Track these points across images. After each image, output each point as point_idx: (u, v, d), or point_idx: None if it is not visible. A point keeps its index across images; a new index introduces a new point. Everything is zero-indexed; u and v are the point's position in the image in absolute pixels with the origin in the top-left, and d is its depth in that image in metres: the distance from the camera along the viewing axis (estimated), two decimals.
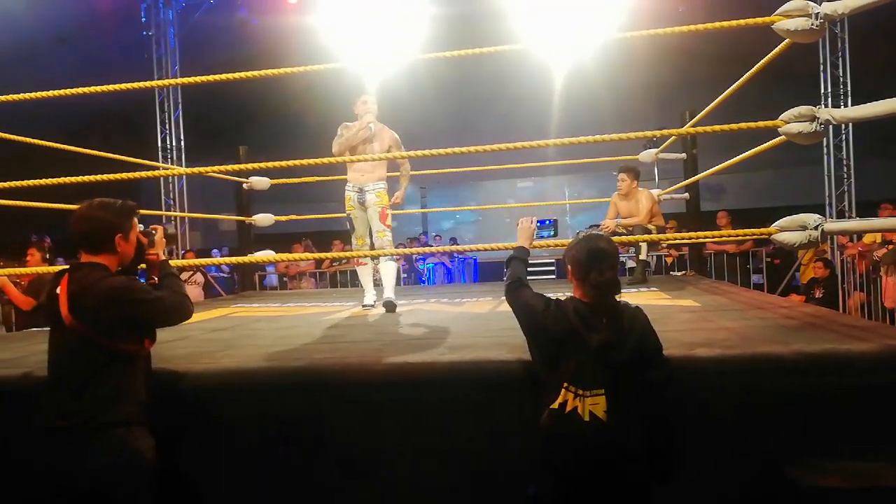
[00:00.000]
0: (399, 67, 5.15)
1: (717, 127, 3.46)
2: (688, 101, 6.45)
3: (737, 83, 3.94)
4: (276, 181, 6.44)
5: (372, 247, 4.57)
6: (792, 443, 2.29)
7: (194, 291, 8.56)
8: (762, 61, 3.60)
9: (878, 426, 2.27)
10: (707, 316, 3.47)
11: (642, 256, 5.54)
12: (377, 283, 4.72)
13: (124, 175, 4.01)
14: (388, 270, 4.56)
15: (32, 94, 3.62)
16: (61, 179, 3.61)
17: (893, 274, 5.82)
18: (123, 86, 3.65)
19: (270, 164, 3.57)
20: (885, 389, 2.27)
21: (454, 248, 7.06)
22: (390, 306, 4.38)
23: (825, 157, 8.94)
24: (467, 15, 9.52)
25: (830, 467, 2.20)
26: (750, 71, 3.75)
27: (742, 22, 3.25)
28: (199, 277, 8.60)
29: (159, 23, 10.00)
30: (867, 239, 6.78)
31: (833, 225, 3.12)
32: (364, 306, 4.63)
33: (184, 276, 8.50)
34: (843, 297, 6.79)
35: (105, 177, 3.66)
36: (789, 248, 3.15)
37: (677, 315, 3.51)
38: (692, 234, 4.69)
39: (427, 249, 9.22)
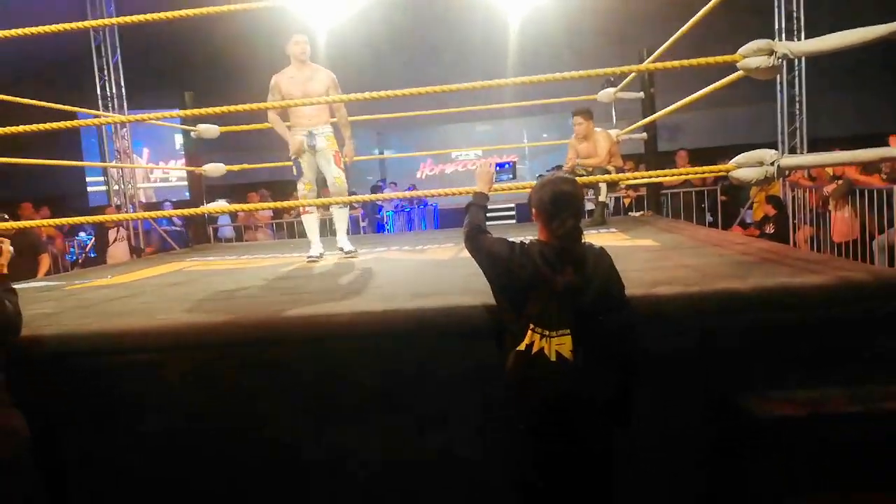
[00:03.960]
0: (350, 11, 4.94)
1: (675, 63, 3.41)
2: (645, 41, 6.38)
3: (693, 18, 3.88)
4: (224, 129, 6.19)
5: (321, 193, 4.54)
6: (750, 376, 2.35)
7: (121, 248, 8.26)
8: None
9: (829, 356, 2.34)
10: (666, 255, 3.51)
11: (602, 198, 5.56)
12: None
13: (62, 124, 3.79)
14: (343, 217, 4.69)
15: None
16: None
17: (842, 209, 6.00)
18: (52, 27, 3.40)
19: (216, 110, 3.39)
20: (837, 319, 2.34)
21: (413, 193, 6.98)
22: (354, 254, 4.49)
23: (778, 94, 9.03)
24: None
25: (784, 397, 2.27)
26: (707, 5, 3.69)
27: None
28: (123, 232, 8.32)
29: None
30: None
31: (789, 160, 3.14)
32: (310, 258, 4.42)
33: (111, 234, 8.19)
34: (793, 232, 7.00)
35: (42, 126, 3.44)
36: (746, 184, 3.19)
37: (637, 255, 3.54)
38: (653, 172, 4.71)
39: (385, 196, 9.11)
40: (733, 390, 2.32)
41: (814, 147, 8.76)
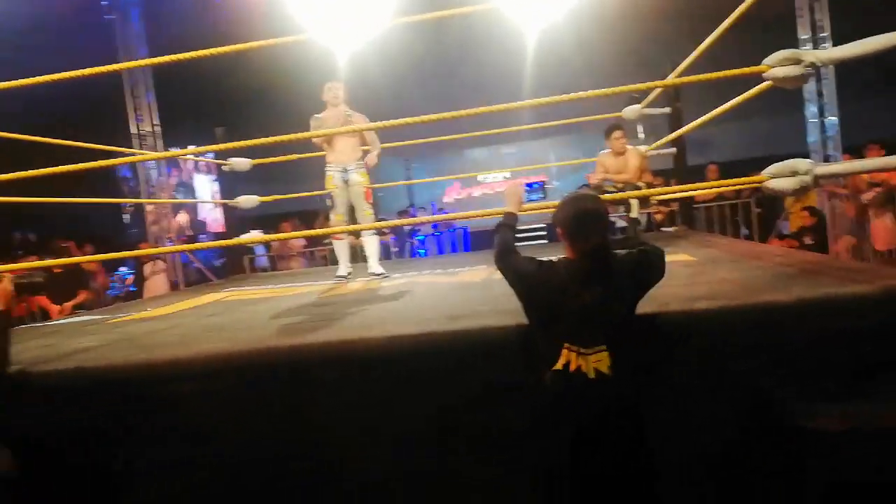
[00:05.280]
0: (368, 41, 5.09)
1: (701, 76, 3.39)
2: (668, 58, 6.36)
3: (718, 29, 3.86)
4: (256, 161, 6.31)
5: (352, 223, 4.91)
6: (796, 389, 2.29)
7: (158, 281, 8.32)
8: (742, 5, 3.53)
9: (878, 368, 2.26)
10: (704, 269, 3.45)
11: (633, 214, 5.49)
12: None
13: (99, 163, 3.91)
14: (373, 243, 5.06)
15: None
16: (35, 172, 3.49)
17: (882, 216, 5.84)
18: (89, 70, 3.52)
19: (246, 143, 3.47)
20: (886, 330, 2.26)
21: (442, 217, 7.01)
22: (382, 277, 4.82)
23: (807, 104, 8.89)
24: None
25: (832, 410, 2.20)
26: (731, 16, 3.68)
27: None
28: (160, 265, 8.41)
29: (121, 5, 9.69)
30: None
31: (824, 168, 3.09)
32: (338, 278, 4.90)
33: (147, 268, 8.28)
34: (833, 242, 6.83)
35: (80, 166, 3.54)
36: (781, 195, 3.13)
37: (675, 270, 3.46)
38: (684, 186, 4.66)
39: (415, 220, 9.16)
40: (778, 403, 2.26)
41: (848, 154, 8.56)
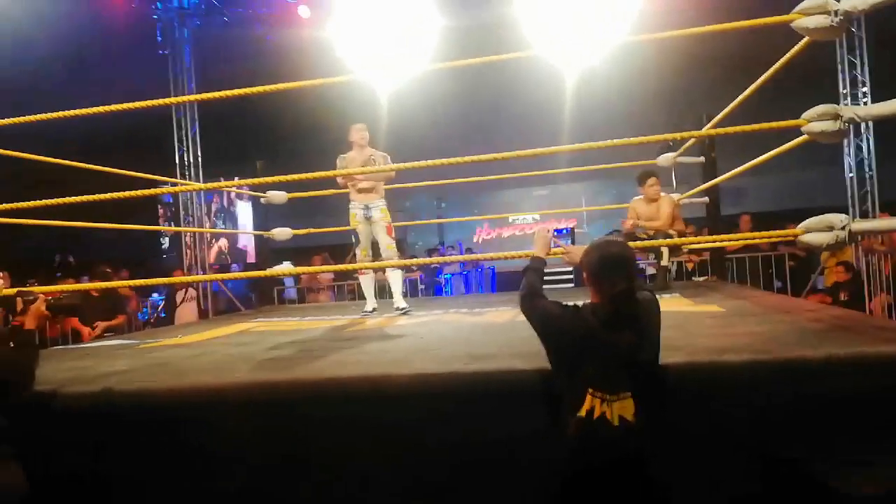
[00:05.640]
0: (411, 80, 5.27)
1: (738, 128, 3.41)
2: (703, 107, 6.38)
3: (756, 83, 3.88)
4: (292, 195, 6.46)
5: (376, 258, 5.15)
6: (822, 448, 2.23)
7: (188, 309, 8.40)
8: (781, 60, 3.55)
9: None
10: (733, 321, 3.40)
11: (664, 262, 5.45)
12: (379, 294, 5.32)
13: (142, 192, 4.06)
14: (397, 279, 5.20)
15: (49, 115, 3.66)
16: (84, 198, 3.64)
17: None
18: (141, 104, 3.69)
19: (285, 178, 3.59)
20: None
21: (471, 257, 7.03)
22: (405, 312, 4.92)
23: (846, 158, 8.81)
24: (479, 27, 9.54)
25: (862, 473, 2.14)
26: (769, 70, 3.70)
27: (760, 21, 3.21)
28: (191, 293, 8.52)
29: (174, 41, 10.12)
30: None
31: (860, 224, 3.05)
32: (364, 313, 5.05)
33: (179, 295, 8.40)
34: (868, 300, 6.66)
35: (124, 194, 3.70)
36: (816, 250, 3.09)
37: (703, 321, 3.44)
38: (717, 237, 4.62)
39: (442, 259, 9.20)
40: (804, 463, 2.20)
41: (885, 211, 8.41)
